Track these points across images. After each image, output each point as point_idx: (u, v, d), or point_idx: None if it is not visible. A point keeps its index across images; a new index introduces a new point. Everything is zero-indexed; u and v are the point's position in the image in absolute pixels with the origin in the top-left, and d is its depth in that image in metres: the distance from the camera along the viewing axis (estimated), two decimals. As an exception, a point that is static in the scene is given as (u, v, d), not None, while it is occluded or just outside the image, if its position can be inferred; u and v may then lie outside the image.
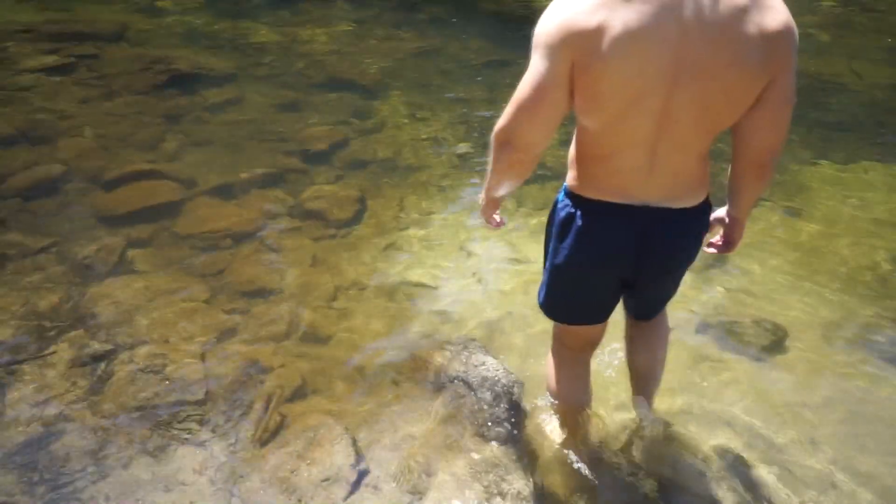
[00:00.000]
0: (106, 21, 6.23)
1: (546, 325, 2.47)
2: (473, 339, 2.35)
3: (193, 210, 3.26)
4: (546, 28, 1.26)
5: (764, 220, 3.40)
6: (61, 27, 5.87)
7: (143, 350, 2.33)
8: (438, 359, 2.27)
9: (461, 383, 2.14)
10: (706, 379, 2.33)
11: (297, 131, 4.22)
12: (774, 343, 2.52)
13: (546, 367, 1.94)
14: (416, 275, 2.85)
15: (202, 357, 2.32)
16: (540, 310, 1.77)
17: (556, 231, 1.55)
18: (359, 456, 1.93)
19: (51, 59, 5.00)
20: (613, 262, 1.51)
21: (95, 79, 4.83)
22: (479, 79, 5.40)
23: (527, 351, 2.41)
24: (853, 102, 5.21)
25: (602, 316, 1.74)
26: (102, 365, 2.26)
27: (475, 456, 1.92)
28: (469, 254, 3.02)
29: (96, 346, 2.31)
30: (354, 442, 1.97)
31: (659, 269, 1.55)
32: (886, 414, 2.23)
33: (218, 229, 3.09)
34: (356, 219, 3.28)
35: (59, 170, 3.54)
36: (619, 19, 1.18)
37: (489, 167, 1.48)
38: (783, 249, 3.14)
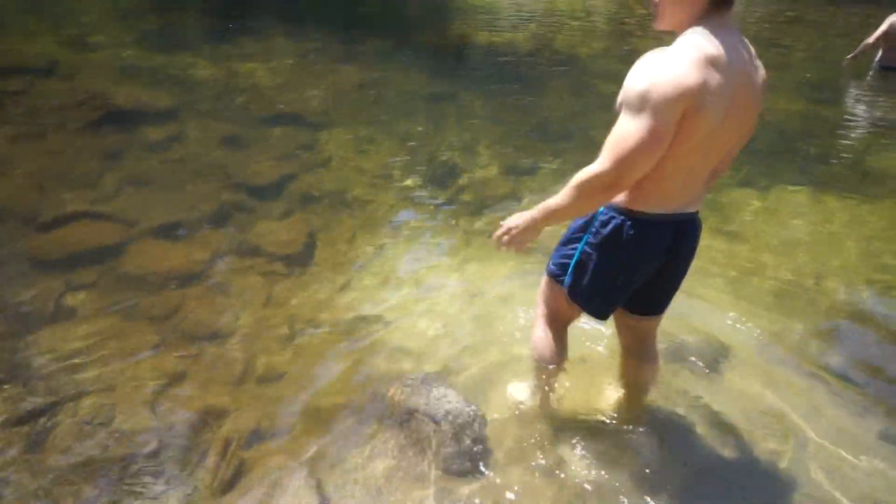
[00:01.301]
0: (34, 54, 6.00)
1: (501, 355, 2.55)
2: (433, 373, 2.36)
3: (137, 251, 3.15)
4: (660, 86, 1.51)
5: (702, 243, 3.59)
6: (-15, 62, 5.61)
7: (87, 401, 2.22)
8: (399, 394, 2.27)
9: (424, 417, 2.14)
10: (660, 392, 2.43)
11: (243, 167, 4.16)
12: (717, 360, 2.65)
13: (536, 341, 2.17)
14: (370, 310, 2.84)
15: (152, 405, 2.23)
16: (578, 305, 1.97)
17: (604, 240, 1.80)
18: (324, 498, 1.90)
19: (-26, 96, 4.76)
20: (655, 260, 1.82)
21: (24, 115, 4.63)
22: (422, 111, 5.51)
23: (485, 381, 2.44)
24: (772, 131, 5.60)
25: None
26: (42, 420, 2.14)
27: (441, 489, 1.93)
28: (422, 287, 3.04)
29: (36, 401, 2.19)
30: (318, 484, 1.94)
31: (683, 260, 1.89)
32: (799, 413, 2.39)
33: (164, 270, 3.00)
34: (307, 255, 3.25)
35: (-14, 212, 3.36)
36: (713, 79, 1.52)
37: (563, 201, 1.67)
38: (721, 271, 3.33)
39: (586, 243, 1.86)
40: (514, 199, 4.05)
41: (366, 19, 9.52)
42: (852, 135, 5.77)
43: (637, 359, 2.25)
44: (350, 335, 2.70)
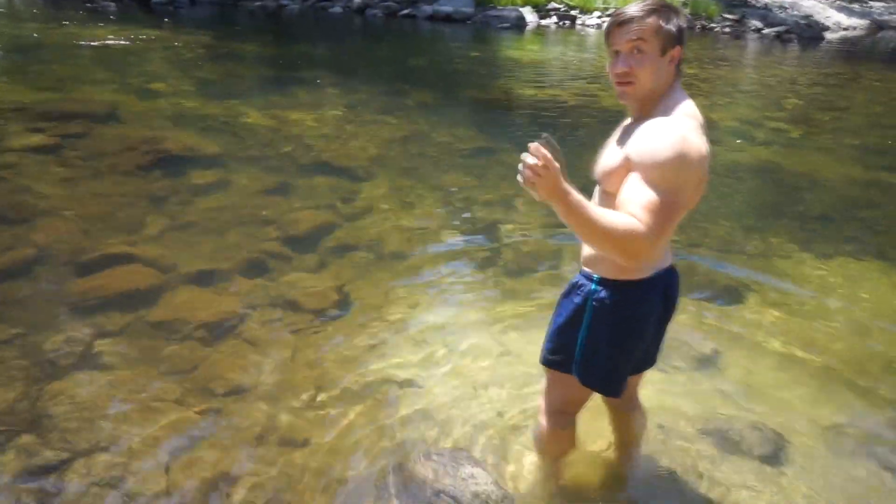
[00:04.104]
0: (98, 101, 6.30)
1: (534, 423, 2.36)
2: (461, 449, 2.20)
3: (170, 298, 3.13)
4: (688, 159, 1.48)
5: (753, 314, 3.36)
6: (52, 106, 5.91)
7: (101, 458, 2.14)
8: (424, 470, 2.11)
9: (450, 499, 1.98)
10: (706, 483, 2.20)
11: (282, 215, 4.17)
12: (774, 451, 2.41)
13: (547, 443, 2.09)
14: (400, 372, 2.72)
15: (167, 468, 2.14)
16: (595, 391, 1.89)
17: (610, 315, 1.73)
18: (334, 588, 1.74)
19: (37, 139, 4.98)
20: (658, 319, 1.80)
21: (80, 158, 4.80)
22: (465, 165, 5.47)
23: (517, 457, 2.27)
24: (829, 197, 5.35)
25: None
26: (53, 476, 2.06)
27: (463, 589, 1.74)
28: (456, 349, 2.90)
29: (49, 455, 2.12)
30: (330, 570, 1.79)
31: (670, 311, 1.86)
32: None
33: (194, 319, 2.95)
34: (339, 310, 3.17)
35: (32, 253, 3.42)
36: (705, 145, 1.55)
37: (589, 219, 1.46)
38: (773, 346, 3.08)
39: (590, 323, 1.76)
40: (554, 258, 3.91)
41: (412, 73, 9.74)
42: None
43: (626, 411, 2.22)
44: (377, 399, 2.57)
